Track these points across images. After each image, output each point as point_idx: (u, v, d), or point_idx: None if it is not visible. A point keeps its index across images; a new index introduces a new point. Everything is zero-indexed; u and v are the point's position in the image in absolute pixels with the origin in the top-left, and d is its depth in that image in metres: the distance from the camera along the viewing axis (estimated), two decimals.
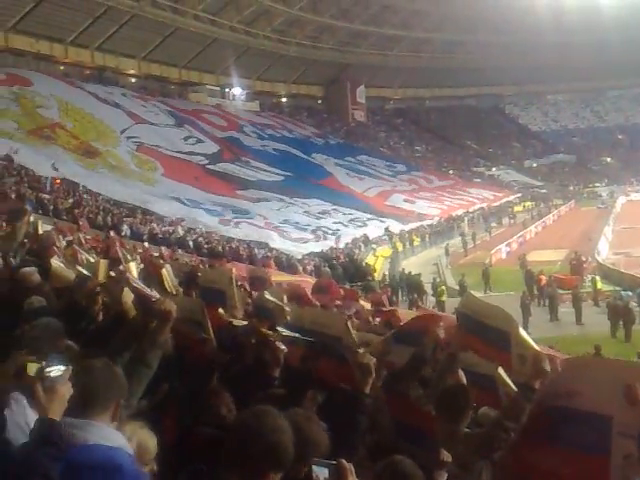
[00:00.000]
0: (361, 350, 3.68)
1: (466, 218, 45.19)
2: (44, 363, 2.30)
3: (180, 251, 23.27)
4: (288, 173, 44.95)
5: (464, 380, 4.04)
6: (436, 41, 64.25)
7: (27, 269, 5.05)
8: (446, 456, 3.24)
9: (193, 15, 49.00)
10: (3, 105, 35.23)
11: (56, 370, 2.30)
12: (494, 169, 64.24)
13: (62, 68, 44.98)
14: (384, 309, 11.98)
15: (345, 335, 3.91)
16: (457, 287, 25.82)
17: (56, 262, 5.38)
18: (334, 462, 2.22)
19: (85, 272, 4.73)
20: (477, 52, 64.43)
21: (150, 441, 2.57)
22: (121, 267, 4.96)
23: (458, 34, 62.80)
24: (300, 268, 26.13)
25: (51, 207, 23.91)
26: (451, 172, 60.57)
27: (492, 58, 64.14)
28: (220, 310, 4.79)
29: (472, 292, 20.33)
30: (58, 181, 28.38)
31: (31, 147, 31.50)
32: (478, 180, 59.87)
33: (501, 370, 3.62)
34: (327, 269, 27.07)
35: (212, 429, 3.38)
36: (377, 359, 3.62)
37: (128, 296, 4.14)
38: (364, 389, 3.36)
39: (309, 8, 55.35)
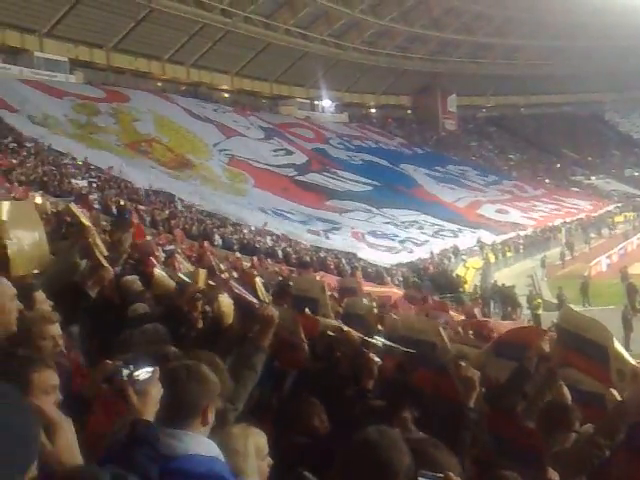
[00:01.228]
0: (464, 363, 3.58)
1: (563, 229, 43.49)
2: (132, 367, 2.33)
3: (269, 261, 23.66)
4: (376, 183, 44.90)
5: (569, 398, 3.89)
6: (531, 48, 62.45)
7: (130, 277, 5.24)
8: (554, 474, 3.10)
9: (284, 30, 49.99)
10: (103, 121, 37.22)
11: (144, 373, 2.32)
12: (593, 178, 61.55)
13: (159, 84, 46.94)
14: (476, 320, 11.70)
15: (439, 341, 3.84)
16: (554, 300, 24.87)
17: (159, 271, 5.56)
18: (441, 475, 2.18)
19: (186, 279, 4.86)
20: (575, 58, 62.12)
21: (262, 438, 2.62)
22: (223, 275, 5.08)
23: (554, 40, 60.85)
24: (388, 279, 25.99)
25: (148, 218, 24.85)
26: (547, 181, 58.52)
27: (591, 64, 61.66)
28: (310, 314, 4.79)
29: (569, 305, 19.53)
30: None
31: (129, 160, 33.09)
32: (576, 189, 57.54)
33: (613, 390, 3.45)
34: (416, 280, 26.79)
35: (306, 439, 3.36)
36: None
37: (225, 303, 4.21)
38: (468, 403, 3.26)
39: (400, 19, 55.19)
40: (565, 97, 68.52)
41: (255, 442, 2.56)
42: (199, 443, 2.32)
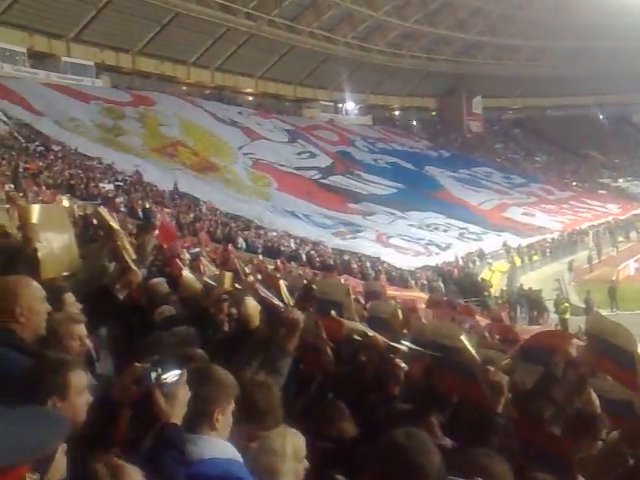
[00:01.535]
0: (492, 368, 3.53)
1: (591, 232, 42.86)
2: (160, 370, 2.33)
3: (293, 264, 23.68)
4: (400, 186, 44.71)
5: (597, 405, 3.85)
6: (557, 49, 61.79)
7: (157, 280, 5.27)
8: None
9: (308, 33, 50.08)
10: (129, 125, 37.63)
11: (172, 375, 2.32)
12: (621, 180, 60.61)
13: (184, 88, 47.32)
14: (502, 324, 11.58)
15: (463, 347, 3.79)
16: (582, 305, 24.56)
17: (186, 273, 5.58)
18: None
19: (212, 282, 4.88)
20: (602, 59, 61.22)
21: (300, 440, 2.61)
22: (250, 278, 5.08)
23: (581, 41, 60.10)
24: (412, 282, 25.86)
25: (173, 221, 25.00)
26: (574, 184, 57.82)
27: (617, 65, 60.70)
28: (335, 316, 4.77)
29: (598, 310, 19.27)
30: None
31: (155, 164, 33.40)
32: (603, 192, 56.72)
33: None
34: (440, 284, 26.59)
35: (333, 443, 3.34)
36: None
37: (251, 306, 4.22)
38: (496, 408, 3.22)
39: (424, 20, 54.97)
40: (592, 99, 67.58)
41: (293, 443, 2.56)
42: (214, 446, 2.33)
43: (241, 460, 2.35)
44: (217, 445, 2.34)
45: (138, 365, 2.37)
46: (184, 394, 2.31)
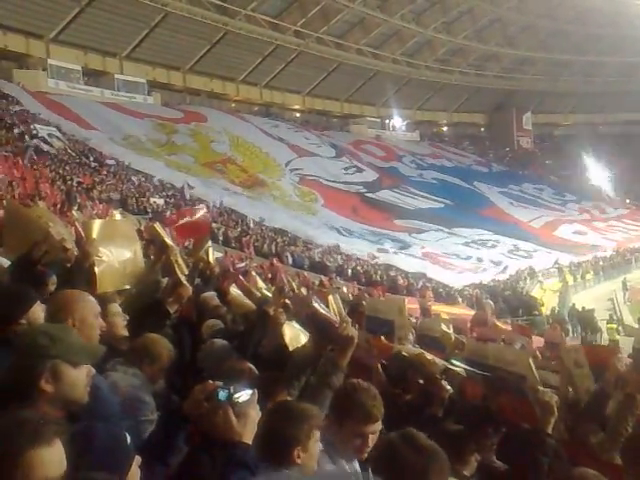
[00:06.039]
0: (542, 388, 3.45)
1: None
2: (232, 388, 2.32)
3: (339, 279, 23.63)
4: (448, 202, 44.30)
5: None
6: (610, 64, 60.50)
7: (208, 293, 5.30)
8: None
9: (356, 50, 50.35)
10: (182, 141, 38.38)
11: (244, 395, 2.31)
12: None
13: (233, 105, 48.12)
14: (554, 343, 11.26)
15: (528, 373, 3.71)
16: (636, 325, 23.73)
17: (235, 289, 5.58)
18: None
19: (268, 294, 4.88)
20: None
21: None
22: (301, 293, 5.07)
23: (634, 56, 58.69)
24: (459, 299, 25.46)
25: (221, 238, 25.29)
26: (628, 201, 56.28)
27: None
28: (382, 338, 4.73)
29: None
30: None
31: (205, 180, 33.95)
32: None
33: None
34: (489, 301, 26.05)
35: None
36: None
37: (287, 331, 4.19)
38: (546, 429, 3.14)
39: (473, 37, 54.64)
40: None
41: None
42: (282, 477, 2.31)
43: None
44: (283, 476, 2.32)
45: (210, 382, 2.39)
46: (255, 414, 2.30)
